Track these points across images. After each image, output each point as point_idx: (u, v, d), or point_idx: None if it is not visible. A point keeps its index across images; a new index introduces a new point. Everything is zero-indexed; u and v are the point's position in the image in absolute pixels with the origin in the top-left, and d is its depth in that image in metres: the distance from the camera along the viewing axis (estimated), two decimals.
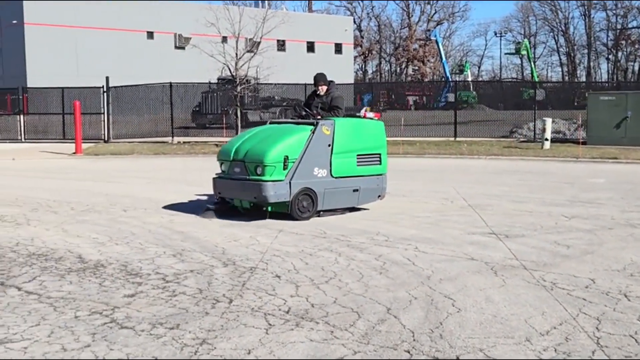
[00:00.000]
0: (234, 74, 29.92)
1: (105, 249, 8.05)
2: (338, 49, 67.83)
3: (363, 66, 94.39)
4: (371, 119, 11.09)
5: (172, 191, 13.28)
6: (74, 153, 24.28)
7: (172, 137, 29.37)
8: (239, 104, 29.36)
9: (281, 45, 57.19)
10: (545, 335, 5.06)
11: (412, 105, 62.28)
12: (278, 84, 32.85)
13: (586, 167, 18.74)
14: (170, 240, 8.57)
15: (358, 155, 10.43)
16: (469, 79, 72.26)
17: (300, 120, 10.74)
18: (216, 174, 10.49)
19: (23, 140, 30.75)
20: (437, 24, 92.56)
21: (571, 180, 15.30)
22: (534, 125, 28.03)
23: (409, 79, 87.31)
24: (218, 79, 35.63)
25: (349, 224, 9.68)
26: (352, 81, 69.21)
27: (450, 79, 68.40)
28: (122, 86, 30.67)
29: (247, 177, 9.80)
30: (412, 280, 6.61)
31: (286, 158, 9.65)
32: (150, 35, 55.46)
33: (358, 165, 10.44)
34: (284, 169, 9.67)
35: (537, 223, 9.68)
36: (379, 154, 10.76)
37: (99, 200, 12.08)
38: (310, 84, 30.51)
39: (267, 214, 9.88)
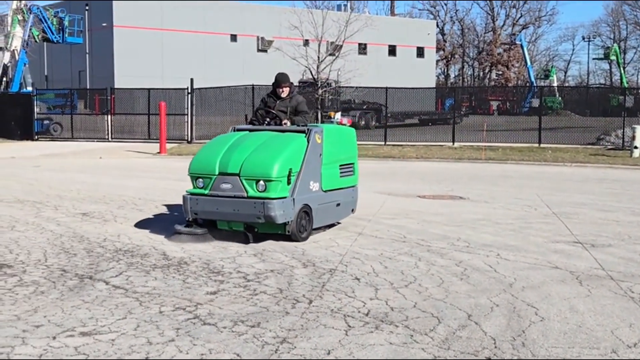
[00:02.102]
0: (315, 77, 30.13)
1: (188, 247, 8.22)
2: (420, 52, 67.36)
3: (445, 70, 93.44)
4: (344, 125, 10.46)
5: None
6: (158, 153, 24.88)
7: None
8: (319, 107, 29.54)
9: (362, 48, 57.16)
10: (633, 348, 4.91)
11: (495, 110, 61.29)
12: (359, 87, 32.87)
13: None
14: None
15: (340, 165, 9.45)
16: (555, 84, 70.62)
17: (276, 127, 9.33)
18: (188, 191, 8.83)
19: (110, 139, 31.72)
20: (523, 28, 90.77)
21: None
22: (623, 132, 27.16)
23: (492, 83, 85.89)
24: (299, 82, 35.95)
25: (429, 228, 9.60)
26: (434, 85, 68.64)
27: (535, 84, 67.03)
28: (205, 88, 31.26)
29: (246, 195, 8.33)
30: (494, 287, 6.50)
31: (290, 171, 8.41)
32: (233, 38, 56.33)
33: (340, 177, 9.45)
34: (288, 183, 8.42)
35: (625, 233, 9.37)
36: (353, 164, 9.80)
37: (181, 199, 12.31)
38: (392, 88, 30.54)
39: (251, 236, 8.51)
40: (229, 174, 8.45)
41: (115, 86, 41.72)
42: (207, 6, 53.96)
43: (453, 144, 27.85)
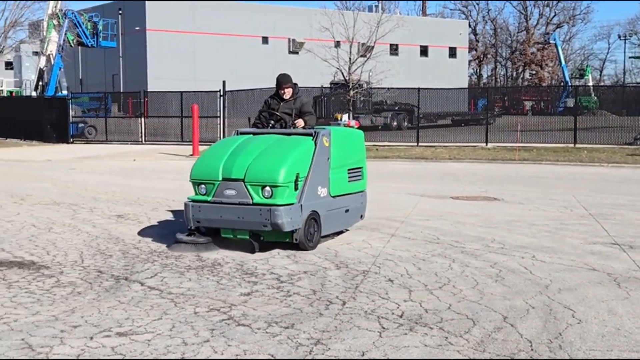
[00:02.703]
0: (346, 78, 30.09)
1: (222, 248, 8.24)
2: (452, 52, 67.07)
3: (478, 70, 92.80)
4: (352, 127, 10.00)
5: None
6: (191, 155, 25.02)
7: None
8: (351, 108, 29.50)
9: (394, 49, 57.03)
10: None
11: (529, 110, 60.67)
12: (391, 88, 32.79)
13: None
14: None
15: (349, 169, 9.01)
16: (590, 83, 69.72)
17: (281, 130, 8.87)
18: (190, 197, 8.37)
19: (143, 142, 31.99)
20: (557, 27, 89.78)
21: None
22: None
23: (526, 83, 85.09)
24: (331, 84, 35.97)
25: (462, 230, 9.53)
26: (467, 85, 68.25)
27: (569, 84, 66.26)
28: (237, 90, 31.39)
29: (251, 202, 7.91)
30: (530, 289, 6.44)
31: (297, 176, 7.97)
32: (265, 40, 56.63)
33: (349, 181, 9.01)
34: (296, 189, 8.00)
35: None
36: (361, 168, 9.37)
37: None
38: (424, 88, 30.40)
39: (257, 245, 8.06)
40: (233, 180, 8.03)
41: (149, 89, 42.17)
42: (238, 8, 54.30)
43: (486, 145, 27.64)
